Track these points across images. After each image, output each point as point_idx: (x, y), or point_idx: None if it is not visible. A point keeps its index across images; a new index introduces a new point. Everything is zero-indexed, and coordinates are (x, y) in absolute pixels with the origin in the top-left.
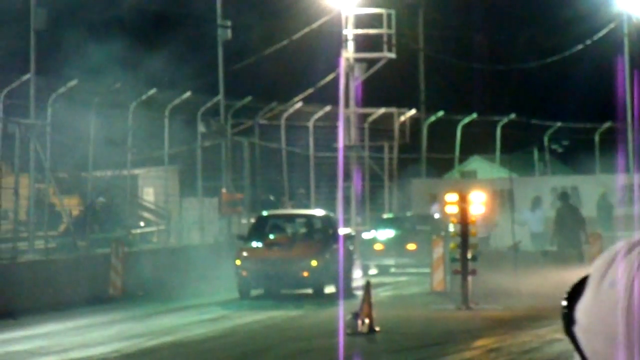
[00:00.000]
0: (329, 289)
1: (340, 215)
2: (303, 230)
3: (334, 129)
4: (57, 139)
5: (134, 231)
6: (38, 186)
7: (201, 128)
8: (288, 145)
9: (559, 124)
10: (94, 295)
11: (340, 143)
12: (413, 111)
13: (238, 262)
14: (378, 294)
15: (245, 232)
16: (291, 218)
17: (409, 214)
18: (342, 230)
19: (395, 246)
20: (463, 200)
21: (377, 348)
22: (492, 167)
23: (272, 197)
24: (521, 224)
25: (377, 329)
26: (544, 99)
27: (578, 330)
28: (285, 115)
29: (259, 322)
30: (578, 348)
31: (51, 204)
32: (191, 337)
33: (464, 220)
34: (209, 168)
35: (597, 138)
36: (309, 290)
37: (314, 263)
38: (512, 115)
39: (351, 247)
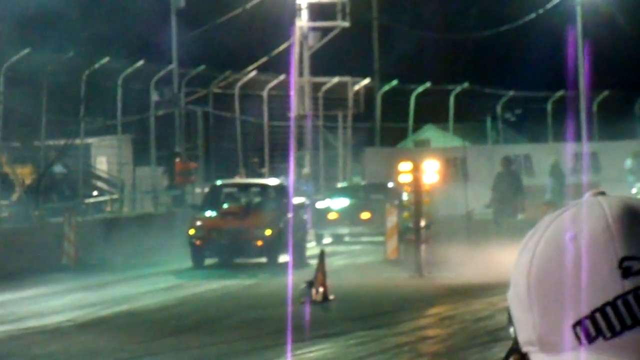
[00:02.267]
0: (283, 258)
1: (291, 184)
2: (257, 199)
3: (288, 98)
4: (8, 108)
5: (87, 200)
6: None
7: (154, 97)
8: (242, 114)
9: (511, 92)
10: (47, 264)
11: (293, 112)
12: (367, 80)
13: (192, 231)
14: (332, 263)
15: (199, 201)
16: (245, 187)
17: (362, 182)
18: (296, 200)
19: (349, 215)
20: (416, 169)
21: (331, 316)
22: (445, 136)
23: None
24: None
25: (331, 297)
26: (497, 68)
27: (511, 308)
28: (239, 84)
29: (212, 291)
30: (510, 322)
31: (4, 173)
32: (145, 306)
33: (417, 188)
34: (163, 137)
35: (549, 107)
36: (263, 260)
37: (268, 232)
38: (466, 84)
39: (305, 217)
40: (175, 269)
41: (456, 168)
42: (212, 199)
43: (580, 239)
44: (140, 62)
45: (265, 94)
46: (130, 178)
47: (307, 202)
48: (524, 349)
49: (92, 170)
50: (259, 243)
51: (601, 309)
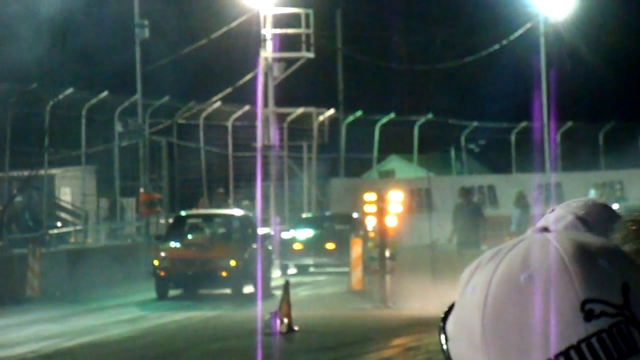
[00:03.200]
0: (248, 289)
1: (259, 214)
2: (221, 230)
3: (253, 128)
4: None
5: (51, 231)
6: None
7: (118, 128)
8: (207, 144)
9: (475, 123)
10: (11, 295)
11: (259, 143)
12: (332, 111)
13: (156, 262)
14: (297, 294)
15: (163, 232)
16: (209, 218)
17: (327, 213)
18: (261, 230)
19: (314, 246)
20: (381, 199)
21: (296, 347)
22: (410, 167)
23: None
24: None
25: (296, 328)
26: (461, 99)
27: (449, 342)
28: (204, 114)
29: (176, 322)
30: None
31: None
32: (109, 338)
33: (381, 219)
34: (127, 168)
35: (513, 137)
36: (228, 291)
37: (232, 263)
38: (430, 115)
39: (269, 247)
40: (139, 300)
41: (421, 198)
42: (177, 230)
43: (537, 280)
44: (105, 93)
45: (229, 124)
46: (94, 209)
47: (272, 232)
48: None
49: (56, 201)
50: (224, 274)
51: (565, 353)
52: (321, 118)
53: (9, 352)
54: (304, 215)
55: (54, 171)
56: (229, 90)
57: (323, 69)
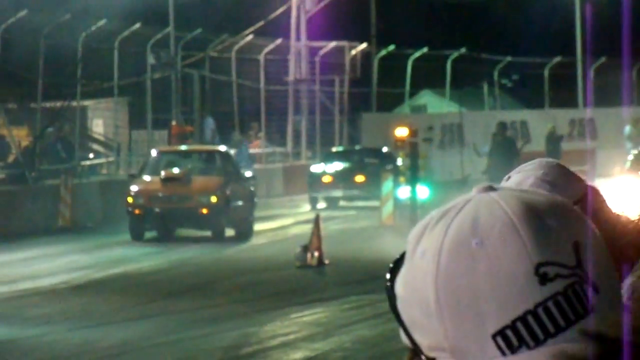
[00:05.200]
0: (229, 232)
1: (289, 149)
2: (201, 166)
3: (285, 62)
4: (6, 69)
5: (83, 163)
6: None
7: (151, 60)
8: (238, 78)
9: (509, 58)
10: (43, 226)
11: (291, 76)
12: (364, 45)
13: (129, 199)
14: (327, 227)
15: (143, 168)
16: (188, 154)
17: (357, 147)
18: (247, 173)
19: (343, 178)
20: (413, 134)
21: (325, 280)
22: (442, 102)
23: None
24: (480, 155)
25: (326, 261)
26: (495, 34)
27: (398, 302)
28: (236, 47)
29: (208, 255)
30: (399, 319)
31: (0, 135)
32: (140, 269)
33: (413, 154)
34: (159, 100)
35: (546, 73)
36: (207, 233)
37: (213, 199)
38: (463, 50)
39: (252, 189)
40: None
41: (452, 133)
42: (152, 166)
43: (488, 245)
44: (137, 25)
45: (261, 57)
46: (126, 141)
47: (254, 174)
48: (431, 354)
49: (88, 132)
50: (204, 211)
51: (522, 318)
52: (353, 52)
53: (40, 282)
54: (334, 149)
55: (86, 103)
56: (261, 23)
57: (356, 2)
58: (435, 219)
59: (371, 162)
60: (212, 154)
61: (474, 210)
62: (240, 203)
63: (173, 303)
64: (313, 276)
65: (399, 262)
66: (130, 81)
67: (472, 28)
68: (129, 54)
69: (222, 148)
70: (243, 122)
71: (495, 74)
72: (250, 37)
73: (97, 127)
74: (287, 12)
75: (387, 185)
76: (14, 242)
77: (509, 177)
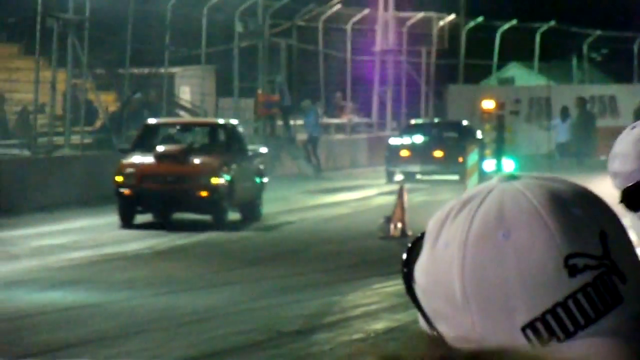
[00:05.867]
0: (234, 215)
1: (375, 119)
2: (202, 141)
3: (372, 32)
4: (95, 35)
5: None
6: (75, 82)
7: (238, 28)
8: (325, 48)
9: (598, 32)
10: None
11: (378, 47)
12: (452, 16)
13: (119, 178)
14: (411, 200)
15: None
16: (186, 127)
17: (436, 120)
18: (255, 148)
19: (421, 153)
20: (500, 107)
21: None
22: (530, 75)
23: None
24: (548, 130)
25: (409, 233)
26: (585, 7)
27: (418, 289)
28: (323, 17)
29: (291, 224)
30: (419, 307)
31: (88, 100)
32: (223, 236)
33: (500, 126)
34: (246, 69)
35: (636, 48)
36: (207, 217)
37: (214, 180)
38: (552, 23)
39: (261, 167)
40: (265, 196)
41: (540, 107)
42: (146, 141)
43: (516, 238)
44: None
45: (349, 27)
46: (213, 108)
47: (265, 150)
48: (457, 345)
49: (175, 99)
50: (203, 193)
51: (552, 310)
52: (441, 23)
53: (125, 247)
54: (412, 122)
55: (173, 70)
56: None
57: None
58: (457, 209)
59: (450, 136)
60: (215, 128)
61: (498, 200)
62: (246, 184)
63: (256, 271)
64: (396, 247)
65: (413, 248)
66: (217, 49)
67: (562, 1)
68: (217, 22)
69: (227, 121)
70: (328, 92)
71: (585, 48)
72: (338, 6)
73: (184, 94)
74: None
75: (473, 157)
76: (100, 207)
77: (634, 127)
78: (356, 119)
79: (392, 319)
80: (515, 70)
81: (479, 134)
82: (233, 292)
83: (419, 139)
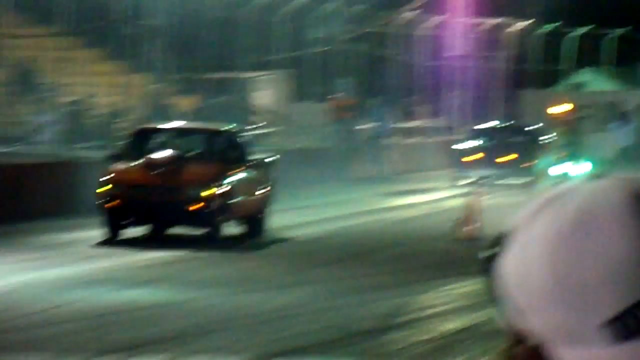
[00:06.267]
0: (236, 229)
1: (446, 123)
2: (197, 149)
3: (444, 38)
4: (175, 41)
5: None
6: (155, 86)
7: (315, 34)
8: (400, 53)
9: None
10: None
11: (451, 52)
12: (525, 22)
13: (104, 188)
14: (482, 202)
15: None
16: (181, 133)
17: (503, 124)
18: (262, 155)
19: (486, 157)
20: (571, 111)
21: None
22: (601, 80)
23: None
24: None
25: (480, 235)
26: None
27: (502, 285)
28: (398, 23)
29: (364, 225)
30: (502, 305)
31: (167, 104)
32: (299, 236)
33: (571, 131)
34: (321, 74)
35: None
36: (203, 230)
37: (207, 192)
38: (628, 28)
39: (271, 175)
40: (329, 201)
41: (609, 112)
42: (136, 148)
43: (600, 234)
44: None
45: (421, 33)
46: (288, 112)
47: (274, 158)
48: (539, 340)
49: (250, 103)
50: (195, 206)
51: (636, 307)
52: (513, 29)
53: (200, 247)
54: (478, 127)
55: (250, 75)
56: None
57: None
58: (544, 205)
59: (516, 140)
60: (213, 135)
61: (584, 198)
62: (246, 195)
63: (330, 271)
64: (467, 249)
65: (496, 245)
66: (294, 54)
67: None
68: (294, 28)
69: (227, 127)
70: (401, 97)
71: None
72: (413, 12)
73: (260, 99)
74: None
75: (544, 161)
76: None
77: None
78: (428, 123)
79: (463, 319)
80: (587, 76)
81: (546, 138)
82: (308, 292)
83: (484, 143)
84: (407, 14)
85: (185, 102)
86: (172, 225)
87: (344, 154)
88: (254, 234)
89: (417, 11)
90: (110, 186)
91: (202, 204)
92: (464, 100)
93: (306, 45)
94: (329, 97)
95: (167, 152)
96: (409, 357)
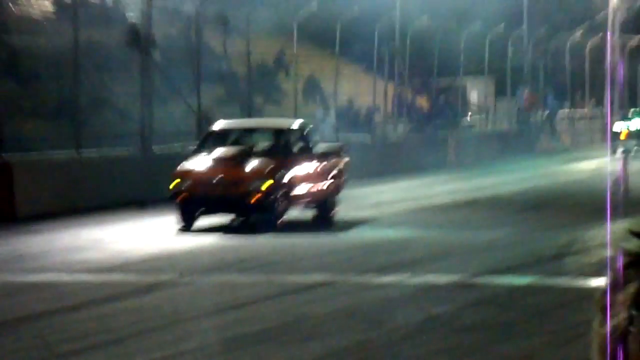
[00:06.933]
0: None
1: (606, 110)
2: (262, 145)
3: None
4: (412, 55)
5: (463, 121)
6: (399, 89)
7: (511, 49)
8: (570, 63)
9: None
10: (435, 163)
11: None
12: None
13: (174, 183)
14: (630, 167)
15: (201, 145)
16: (250, 131)
17: None
18: (330, 147)
19: (636, 133)
20: None
21: (632, 202)
22: None
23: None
24: None
25: (631, 190)
26: None
27: None
28: (570, 40)
29: (545, 184)
30: None
31: (409, 102)
32: (501, 194)
33: None
34: (517, 78)
35: None
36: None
37: (265, 185)
38: None
39: (337, 167)
40: (524, 166)
41: None
42: (207, 144)
43: None
44: (502, 25)
45: (587, 47)
46: (492, 106)
47: (341, 145)
48: None
49: (467, 100)
50: (253, 198)
51: None
52: None
53: (436, 200)
54: (631, 110)
55: (465, 79)
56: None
57: None
58: None
59: None
60: (279, 131)
61: None
62: (310, 185)
63: (523, 215)
64: (620, 201)
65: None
66: (496, 65)
67: None
68: (494, 47)
69: (293, 123)
70: (573, 91)
71: None
72: (580, 33)
73: (473, 97)
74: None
75: None
76: (419, 172)
77: None
78: (593, 110)
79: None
80: None
81: None
82: (507, 230)
83: (635, 123)
84: (578, 33)
85: (421, 100)
86: (238, 215)
87: (531, 133)
88: (322, 218)
89: (582, 31)
90: (178, 180)
91: (259, 195)
92: (619, 94)
93: (506, 58)
94: (521, 93)
95: (231, 148)
96: (580, 274)
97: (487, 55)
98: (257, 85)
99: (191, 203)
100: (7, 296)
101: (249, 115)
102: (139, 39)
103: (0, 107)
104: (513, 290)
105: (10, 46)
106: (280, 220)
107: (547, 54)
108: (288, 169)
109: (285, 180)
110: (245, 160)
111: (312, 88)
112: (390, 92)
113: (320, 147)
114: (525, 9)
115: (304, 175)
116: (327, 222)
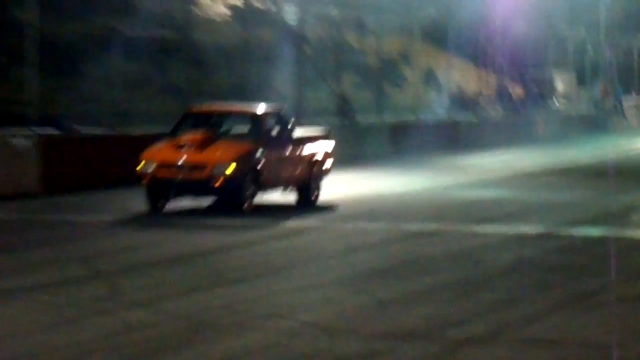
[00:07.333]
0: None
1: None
2: (234, 128)
3: None
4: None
5: (551, 104)
6: (497, 79)
7: (590, 48)
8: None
9: None
10: (526, 137)
11: None
12: None
13: (140, 166)
14: None
15: (172, 129)
16: (224, 114)
17: None
18: (309, 131)
19: None
20: None
21: None
22: None
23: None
24: None
25: None
26: None
27: None
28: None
29: (611, 158)
30: None
31: (506, 89)
32: (578, 163)
33: None
34: (594, 70)
35: None
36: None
37: (229, 169)
38: None
39: (320, 152)
40: (597, 145)
41: None
42: (180, 128)
43: None
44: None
45: None
46: (575, 94)
47: (325, 131)
48: None
49: (553, 89)
50: (217, 182)
51: None
52: None
53: (503, 172)
54: None
55: (554, 71)
56: None
57: None
58: None
59: None
60: (249, 115)
61: None
62: (286, 170)
63: (594, 181)
64: None
65: None
66: (578, 60)
67: None
68: (576, 46)
69: (268, 108)
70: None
71: None
72: None
73: (559, 87)
74: None
75: None
76: (510, 147)
77: None
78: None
79: None
80: None
81: None
82: (581, 193)
83: None
84: None
85: (518, 90)
86: (203, 197)
87: (605, 117)
88: (303, 201)
89: None
90: (143, 163)
91: (223, 178)
92: None
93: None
94: (598, 84)
95: (198, 131)
96: None
97: (570, 49)
98: (385, 74)
99: (156, 186)
100: (185, 235)
101: (379, 98)
102: (294, 37)
103: (185, 91)
104: (587, 239)
105: (194, 41)
106: (247, 204)
107: (619, 52)
108: (258, 153)
109: (254, 164)
110: (212, 144)
111: (429, 77)
112: (492, 81)
113: (301, 132)
114: (602, 15)
115: (276, 160)
116: (308, 203)
